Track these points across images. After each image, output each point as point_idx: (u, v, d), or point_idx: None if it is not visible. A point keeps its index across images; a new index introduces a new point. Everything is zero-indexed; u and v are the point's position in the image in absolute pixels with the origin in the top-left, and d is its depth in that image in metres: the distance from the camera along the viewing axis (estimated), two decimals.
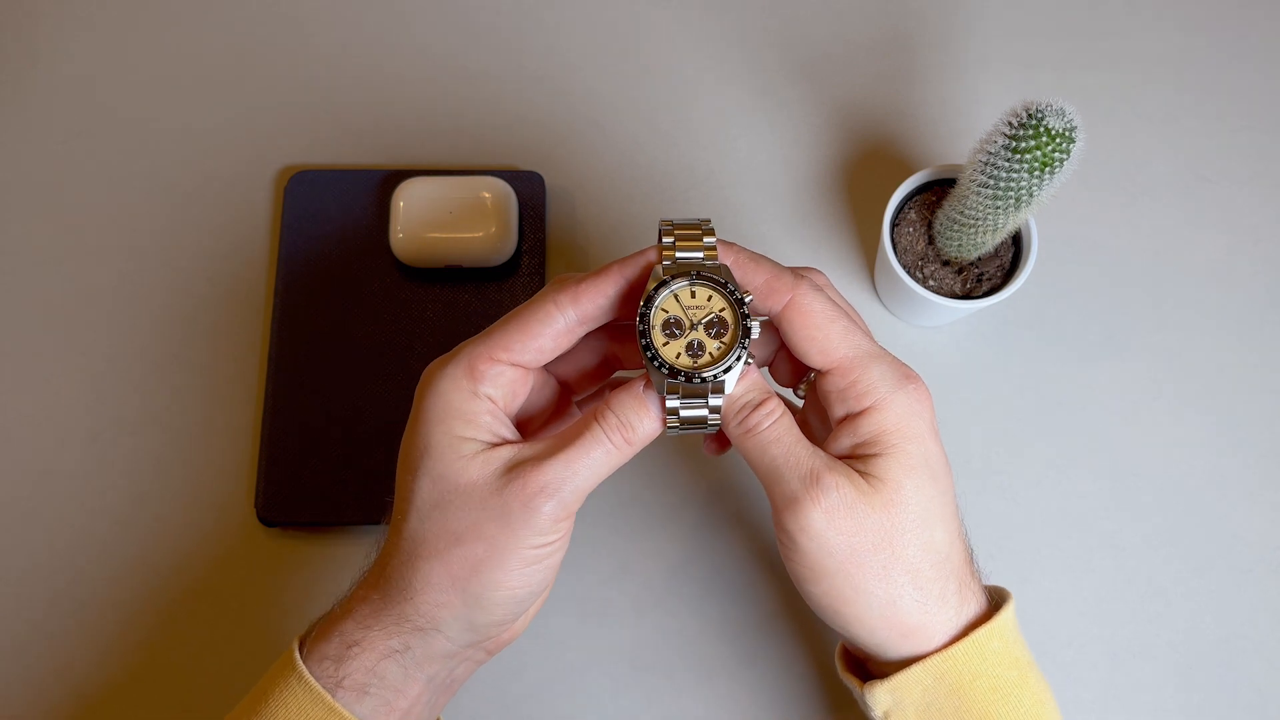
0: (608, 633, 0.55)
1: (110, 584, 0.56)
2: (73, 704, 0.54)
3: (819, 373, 0.40)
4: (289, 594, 0.56)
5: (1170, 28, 0.66)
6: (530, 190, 0.61)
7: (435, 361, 0.41)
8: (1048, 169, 0.46)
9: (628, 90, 0.65)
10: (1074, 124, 0.45)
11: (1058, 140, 0.45)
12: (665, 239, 0.40)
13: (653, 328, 0.39)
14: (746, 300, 0.39)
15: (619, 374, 0.46)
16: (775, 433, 0.39)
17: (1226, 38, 0.66)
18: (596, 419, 0.39)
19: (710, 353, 0.39)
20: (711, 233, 0.40)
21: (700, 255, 0.39)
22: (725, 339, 0.39)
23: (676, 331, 0.39)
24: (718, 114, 0.64)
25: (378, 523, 0.56)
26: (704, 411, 0.39)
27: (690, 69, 0.65)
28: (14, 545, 0.57)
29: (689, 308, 0.39)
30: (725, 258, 0.40)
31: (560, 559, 0.40)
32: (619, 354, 0.45)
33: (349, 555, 0.57)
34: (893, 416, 0.39)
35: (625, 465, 0.40)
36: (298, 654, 0.39)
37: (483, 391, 0.39)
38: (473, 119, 0.64)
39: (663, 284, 0.39)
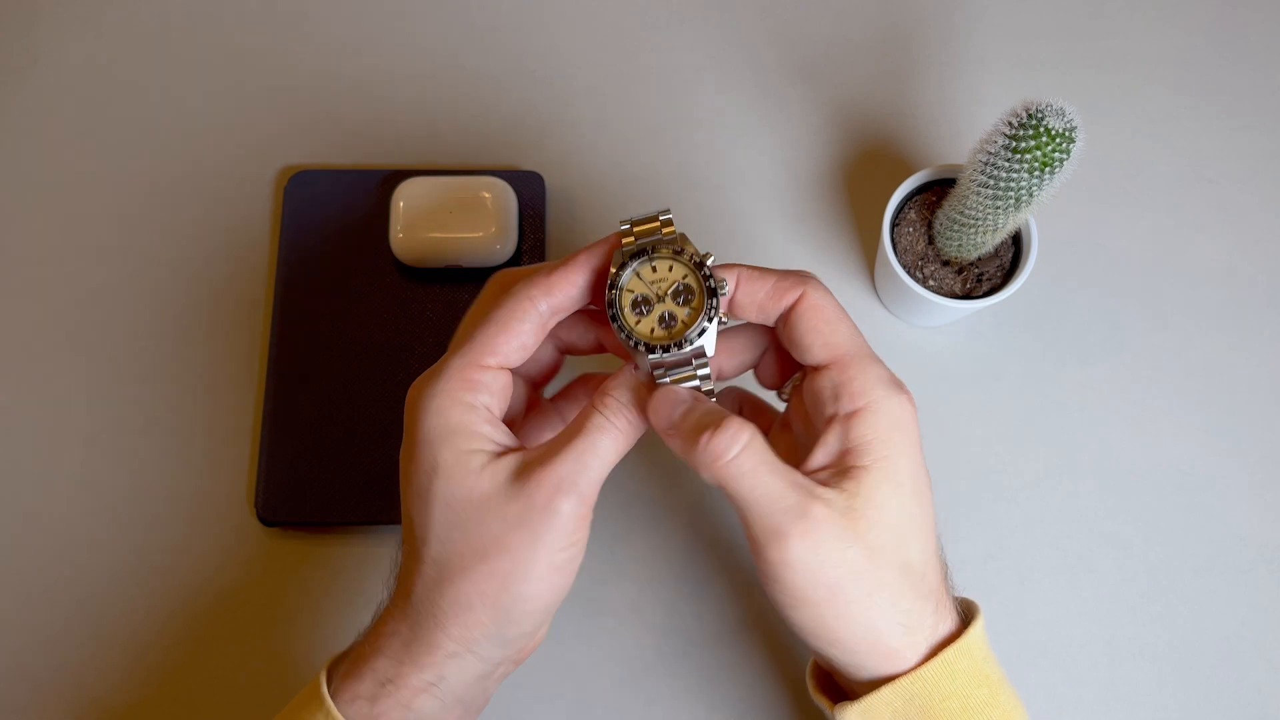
0: (607, 633, 0.55)
1: (110, 584, 0.56)
2: (71, 703, 0.54)
3: (810, 371, 0.40)
4: (289, 594, 0.56)
5: (1170, 28, 0.66)
6: (530, 190, 0.61)
7: (421, 379, 0.40)
8: (1048, 169, 0.46)
9: (628, 90, 0.65)
10: (1074, 124, 0.45)
11: (1058, 140, 0.45)
12: (625, 235, 0.40)
13: (623, 309, 0.39)
14: (708, 262, 0.39)
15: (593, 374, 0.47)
16: (749, 463, 0.37)
17: (1226, 38, 0.66)
18: (596, 408, 0.39)
19: (682, 320, 0.39)
20: (670, 222, 0.40)
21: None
22: (694, 304, 0.39)
23: (645, 309, 0.40)
24: (717, 114, 0.64)
25: (378, 523, 0.56)
26: (695, 383, 0.40)
27: (690, 69, 0.65)
28: (13, 545, 0.57)
29: (653, 282, 0.40)
30: (728, 277, 0.40)
31: (580, 560, 0.40)
32: (601, 340, 0.44)
33: (349, 555, 0.57)
34: (884, 422, 0.39)
35: (621, 465, 0.40)
36: (325, 690, 0.39)
37: (480, 401, 0.39)
38: (473, 119, 0.64)
39: (623, 265, 0.40)
